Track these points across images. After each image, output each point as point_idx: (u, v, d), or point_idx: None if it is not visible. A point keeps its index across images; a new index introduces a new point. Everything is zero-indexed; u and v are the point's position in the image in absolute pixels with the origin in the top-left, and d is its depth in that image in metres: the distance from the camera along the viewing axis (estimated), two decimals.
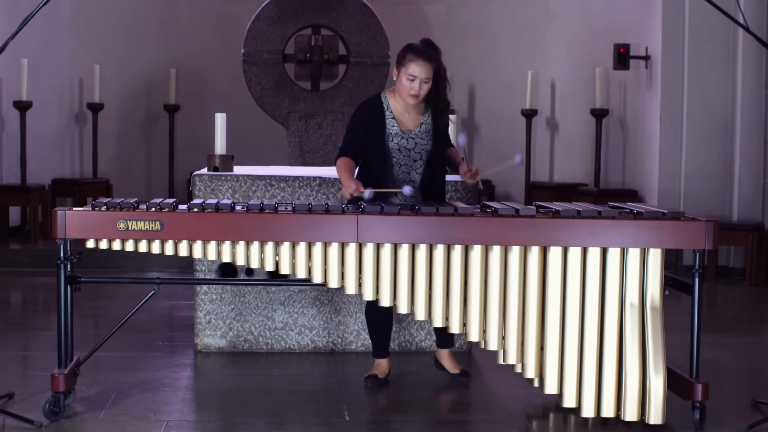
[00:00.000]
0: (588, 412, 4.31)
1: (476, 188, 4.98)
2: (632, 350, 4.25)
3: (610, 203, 4.64)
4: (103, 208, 4.29)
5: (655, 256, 4.26)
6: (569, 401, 4.33)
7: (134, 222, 4.22)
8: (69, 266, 4.34)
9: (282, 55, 8.86)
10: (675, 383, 4.39)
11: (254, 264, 4.33)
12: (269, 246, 4.30)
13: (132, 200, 4.37)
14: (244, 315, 5.62)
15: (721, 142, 8.44)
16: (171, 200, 4.46)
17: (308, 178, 5.63)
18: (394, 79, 4.80)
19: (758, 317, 7.26)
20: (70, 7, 9.96)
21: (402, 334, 5.66)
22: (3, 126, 9.44)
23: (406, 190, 4.57)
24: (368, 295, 4.33)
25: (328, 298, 5.63)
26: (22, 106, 9.24)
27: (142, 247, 4.29)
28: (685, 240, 4.27)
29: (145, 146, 10.93)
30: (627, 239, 4.24)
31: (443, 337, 5.01)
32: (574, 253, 4.27)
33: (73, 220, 4.23)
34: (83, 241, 4.28)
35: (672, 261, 7.89)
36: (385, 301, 4.34)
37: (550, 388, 4.35)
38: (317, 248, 4.29)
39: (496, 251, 4.28)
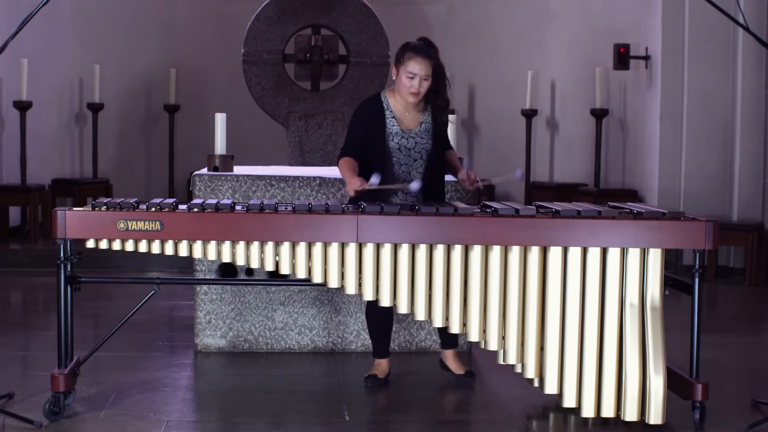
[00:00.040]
0: (588, 412, 4.31)
1: (477, 189, 4.97)
2: (632, 350, 4.25)
3: (610, 203, 4.64)
4: (103, 208, 4.29)
5: (655, 256, 4.26)
6: (569, 401, 4.33)
7: (134, 222, 4.22)
8: (69, 266, 4.34)
9: (282, 55, 8.86)
10: (675, 383, 4.39)
11: (254, 264, 4.33)
12: (269, 246, 4.30)
13: (132, 200, 4.37)
14: (244, 315, 5.63)
15: (721, 142, 8.44)
16: (171, 200, 4.46)
17: (308, 178, 5.63)
18: (394, 78, 4.80)
19: (758, 317, 7.26)
20: (70, 7, 9.96)
21: (402, 334, 5.66)
22: (3, 126, 9.45)
23: (414, 185, 4.57)
24: (368, 295, 4.33)
25: (328, 298, 5.63)
26: (22, 106, 9.24)
27: (142, 247, 4.29)
28: (685, 240, 4.27)
29: (145, 146, 10.93)
30: (627, 239, 4.24)
31: (447, 337, 5.01)
32: (574, 253, 4.27)
33: (73, 220, 4.24)
34: (83, 241, 4.28)
35: (672, 261, 7.89)
36: (385, 301, 4.34)
37: (550, 388, 4.35)
38: (317, 248, 4.29)
39: (496, 251, 4.28)
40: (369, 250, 4.29)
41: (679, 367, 4.47)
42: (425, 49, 4.71)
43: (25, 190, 9.16)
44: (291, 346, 5.65)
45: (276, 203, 4.37)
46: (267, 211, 4.30)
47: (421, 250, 4.29)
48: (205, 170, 5.70)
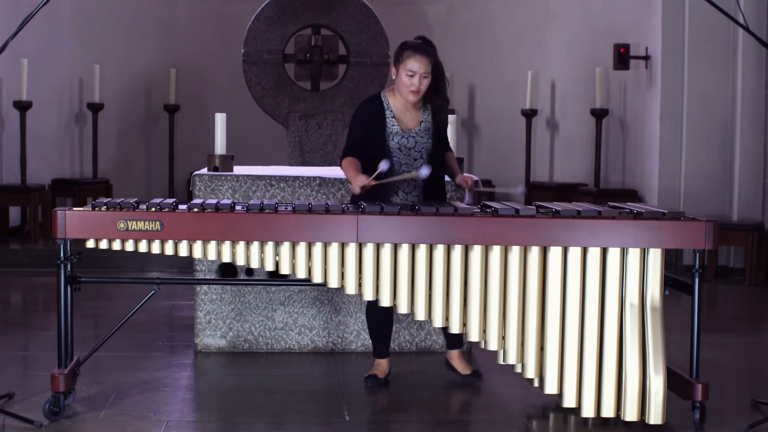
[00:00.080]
0: (588, 412, 4.31)
1: (474, 192, 4.97)
2: (632, 350, 4.25)
3: (610, 203, 4.64)
4: (103, 208, 4.29)
5: (655, 256, 4.26)
6: (569, 401, 4.33)
7: (134, 222, 4.22)
8: (69, 266, 4.34)
9: (282, 55, 8.87)
10: (675, 383, 4.39)
11: (254, 264, 4.33)
12: (269, 246, 4.30)
13: (132, 200, 4.37)
14: (244, 315, 5.63)
15: (721, 142, 8.44)
16: (171, 200, 4.46)
17: (308, 178, 5.63)
18: (393, 78, 4.80)
19: (758, 317, 7.26)
20: (70, 7, 9.96)
21: (402, 334, 5.66)
22: (3, 126, 9.45)
23: (424, 171, 4.57)
24: (368, 295, 4.33)
25: (328, 298, 5.63)
26: (22, 106, 9.24)
27: (142, 247, 4.29)
28: (685, 240, 4.27)
29: (145, 146, 10.93)
30: (627, 239, 4.24)
31: (451, 338, 5.01)
32: (574, 253, 4.27)
33: (73, 220, 4.23)
34: (83, 241, 4.28)
35: (672, 261, 7.89)
36: (385, 301, 4.34)
37: (550, 388, 4.35)
38: (317, 248, 4.29)
39: (496, 251, 4.28)
40: (369, 250, 4.29)
41: (679, 367, 4.47)
42: (423, 47, 4.72)
43: (25, 190, 9.16)
44: (291, 346, 5.65)
45: (276, 203, 4.37)
46: (267, 211, 4.30)
47: (421, 250, 4.29)
48: (205, 170, 5.70)
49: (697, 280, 4.31)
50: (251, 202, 4.41)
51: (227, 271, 5.64)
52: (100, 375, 5.00)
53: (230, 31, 10.28)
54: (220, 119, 5.79)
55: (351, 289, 4.32)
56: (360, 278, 4.32)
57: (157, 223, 4.22)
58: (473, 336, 4.35)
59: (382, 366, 4.98)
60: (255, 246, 4.31)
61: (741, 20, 5.40)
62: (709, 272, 8.21)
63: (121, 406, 4.52)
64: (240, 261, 4.31)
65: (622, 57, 8.94)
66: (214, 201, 4.42)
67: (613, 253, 4.26)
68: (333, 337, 5.65)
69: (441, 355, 5.61)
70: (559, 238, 4.25)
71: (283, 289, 5.58)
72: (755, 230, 8.10)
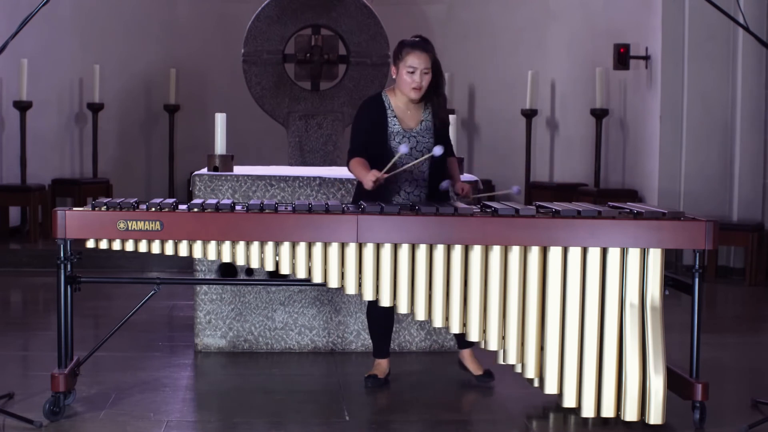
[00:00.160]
0: (588, 412, 4.31)
1: (468, 199, 4.97)
2: (632, 350, 4.25)
3: (610, 203, 4.64)
4: (103, 208, 4.29)
5: (655, 256, 4.26)
6: (569, 401, 4.33)
7: (134, 222, 4.22)
8: (69, 266, 4.34)
9: (282, 55, 8.87)
10: (675, 383, 4.39)
11: (254, 264, 4.33)
12: (269, 246, 4.30)
13: (132, 200, 4.37)
14: (244, 315, 5.63)
15: (721, 142, 8.45)
16: (171, 200, 4.46)
17: (308, 178, 5.63)
18: (394, 77, 4.80)
19: (758, 317, 7.26)
20: (70, 7, 9.97)
21: (402, 334, 5.66)
22: (3, 126, 9.45)
23: (437, 150, 4.59)
24: (368, 295, 4.33)
25: (328, 298, 5.63)
26: (22, 106, 9.24)
27: (142, 247, 4.29)
28: (685, 240, 4.27)
29: (145, 146, 10.93)
30: (627, 239, 4.24)
31: (462, 337, 4.99)
32: (574, 253, 4.27)
33: (73, 220, 4.23)
34: (83, 241, 4.28)
35: (672, 261, 7.90)
36: (385, 301, 4.34)
37: (550, 388, 4.35)
38: (317, 248, 4.29)
39: (496, 251, 4.28)
40: (369, 250, 4.29)
41: (679, 367, 4.47)
42: (422, 43, 4.74)
43: (25, 190, 9.16)
44: (291, 346, 5.65)
45: (276, 203, 4.37)
46: (267, 211, 4.30)
47: (421, 250, 4.29)
48: (205, 170, 5.70)
49: (697, 280, 4.31)
50: (251, 202, 4.41)
51: (227, 271, 5.65)
52: (100, 375, 5.00)
53: (230, 31, 10.28)
54: (220, 119, 5.79)
55: (351, 289, 4.32)
56: (360, 278, 4.32)
57: (157, 223, 4.22)
58: (473, 336, 4.35)
59: (382, 366, 4.98)
60: (255, 246, 4.31)
61: (741, 20, 5.41)
62: (709, 272, 8.21)
63: (121, 406, 4.52)
64: (240, 261, 4.31)
65: (622, 57, 8.94)
66: (214, 201, 4.42)
67: (613, 253, 4.26)
68: (333, 337, 5.65)
69: (441, 355, 5.62)
70: (559, 238, 4.25)
71: (283, 289, 5.58)
72: (755, 230, 8.10)
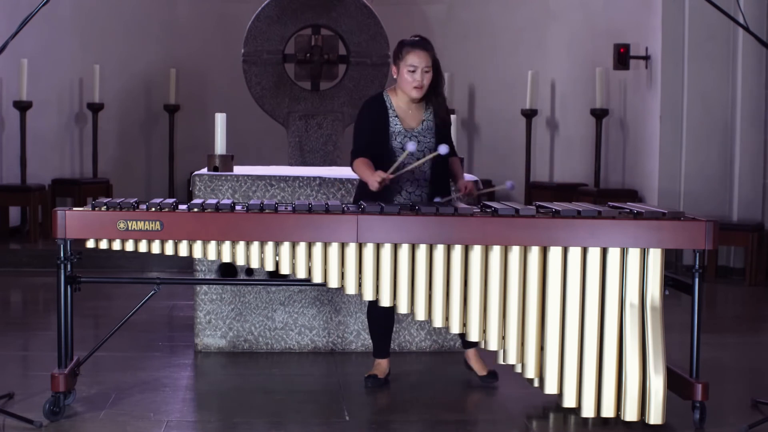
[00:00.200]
0: (588, 412, 4.31)
1: (471, 197, 4.97)
2: (632, 350, 4.25)
3: (610, 203, 4.64)
4: (103, 208, 4.29)
5: (655, 256, 4.26)
6: (569, 401, 4.33)
7: (134, 222, 4.22)
8: (69, 266, 4.34)
9: (282, 55, 8.87)
10: (675, 383, 4.39)
11: (254, 264, 4.33)
12: (269, 246, 4.30)
13: (132, 200, 4.37)
14: (244, 315, 5.63)
15: (721, 142, 8.45)
16: (171, 200, 4.46)
17: (308, 178, 5.63)
18: (395, 77, 4.80)
19: (758, 317, 7.26)
20: (70, 7, 9.97)
21: (402, 334, 5.66)
22: (3, 126, 9.45)
23: (442, 149, 4.58)
24: (368, 295, 4.33)
25: (328, 298, 5.63)
26: (22, 106, 9.24)
27: (142, 247, 4.29)
28: (685, 240, 4.27)
29: (145, 146, 10.93)
30: (627, 239, 4.24)
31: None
32: (574, 253, 4.27)
33: (73, 220, 4.23)
34: (83, 241, 4.28)
35: (672, 261, 7.89)
36: (385, 301, 4.34)
37: (550, 388, 4.35)
38: (317, 248, 4.29)
39: (496, 251, 4.28)
40: (369, 250, 4.29)
41: (679, 367, 4.47)
42: (421, 42, 4.75)
43: (25, 190, 9.16)
44: (291, 346, 5.65)
45: (276, 203, 4.37)
46: (267, 211, 4.30)
47: (421, 250, 4.29)
48: (205, 170, 5.70)
49: (697, 280, 4.31)
50: (251, 202, 4.41)
51: (227, 271, 5.64)
52: (100, 375, 5.00)
53: (230, 31, 10.28)
54: (220, 119, 5.79)
55: (351, 289, 4.32)
56: (360, 278, 4.32)
57: (157, 223, 4.22)
58: (473, 336, 4.35)
59: (382, 366, 4.98)
60: (255, 246, 4.31)
61: (741, 20, 5.41)
62: (709, 272, 8.21)
63: (121, 406, 4.52)
64: (240, 261, 4.31)
65: (622, 57, 8.94)
66: (214, 201, 4.42)
67: (613, 253, 4.26)
68: (333, 337, 5.65)
69: (441, 355, 5.62)
70: (559, 238, 4.25)
71: (283, 289, 5.58)
72: (755, 230, 8.10)
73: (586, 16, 9.98)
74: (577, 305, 4.27)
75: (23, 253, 8.74)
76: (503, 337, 4.35)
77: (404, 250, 4.29)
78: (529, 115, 10.15)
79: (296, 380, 5.11)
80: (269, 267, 4.32)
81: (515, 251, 4.28)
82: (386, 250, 4.29)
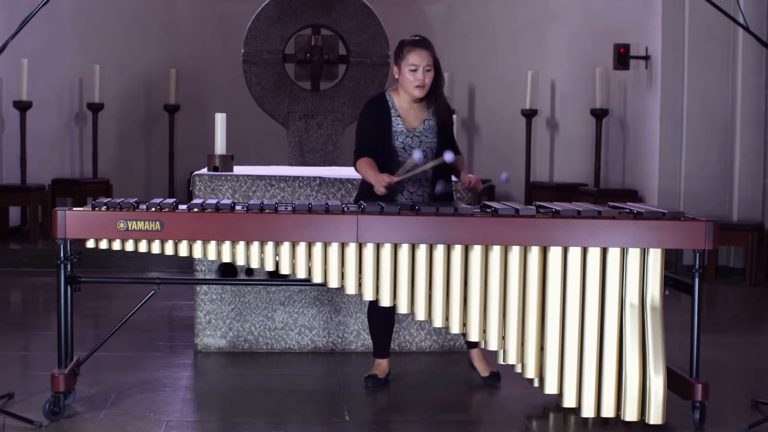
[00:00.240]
0: (588, 412, 4.31)
1: (476, 192, 4.98)
2: (632, 350, 4.25)
3: (610, 203, 4.64)
4: (103, 208, 4.29)
5: (655, 256, 4.26)
6: (569, 401, 4.33)
7: (134, 222, 4.22)
8: (69, 266, 4.34)
9: (282, 55, 8.87)
10: (675, 383, 4.39)
11: (254, 264, 4.33)
12: (269, 246, 4.30)
13: (132, 200, 4.37)
14: (244, 315, 5.62)
15: (721, 142, 8.45)
16: (171, 200, 4.46)
17: (308, 178, 5.63)
18: (396, 77, 4.80)
19: (758, 317, 7.26)
20: (70, 7, 9.97)
21: (402, 334, 5.66)
22: (3, 126, 9.45)
23: (448, 156, 4.58)
24: (368, 295, 4.33)
25: (328, 298, 5.63)
26: (22, 106, 9.24)
27: (142, 247, 4.29)
28: (685, 240, 4.27)
29: (145, 146, 10.93)
30: (627, 239, 4.24)
31: None
32: (574, 253, 4.27)
33: (73, 220, 4.23)
34: (83, 241, 4.28)
35: (672, 261, 7.89)
36: (385, 301, 4.34)
37: (550, 388, 4.34)
38: (317, 248, 4.29)
39: (496, 251, 4.28)
40: (369, 250, 4.29)
41: (679, 367, 4.47)
42: (422, 41, 4.77)
43: (25, 190, 9.16)
44: (291, 346, 5.65)
45: (276, 203, 4.37)
46: (267, 211, 4.30)
47: (421, 250, 4.29)
48: (205, 170, 5.70)
49: (697, 280, 4.30)
50: (251, 202, 4.41)
51: (227, 271, 5.64)
52: (100, 375, 5.00)
53: (230, 31, 10.28)
54: (220, 119, 5.79)
55: (351, 289, 4.32)
56: (360, 278, 4.32)
57: (157, 223, 4.22)
58: (473, 336, 4.35)
59: (382, 366, 4.98)
60: (255, 246, 4.31)
61: (741, 20, 5.40)
62: (709, 272, 8.21)
63: (121, 406, 4.52)
64: (240, 261, 4.31)
65: (622, 57, 8.94)
66: (214, 201, 4.42)
67: (613, 253, 4.26)
68: (333, 337, 5.65)
69: (441, 355, 5.62)
70: (559, 238, 4.25)
71: (283, 289, 5.58)
72: (755, 230, 8.10)
73: (586, 16, 9.98)
74: (577, 305, 4.27)
75: (23, 253, 8.74)
76: (503, 337, 4.35)
77: (404, 250, 4.29)
78: (529, 115, 10.15)
79: (296, 380, 5.11)
80: (269, 267, 4.32)
81: (515, 251, 4.28)
82: (386, 250, 4.29)
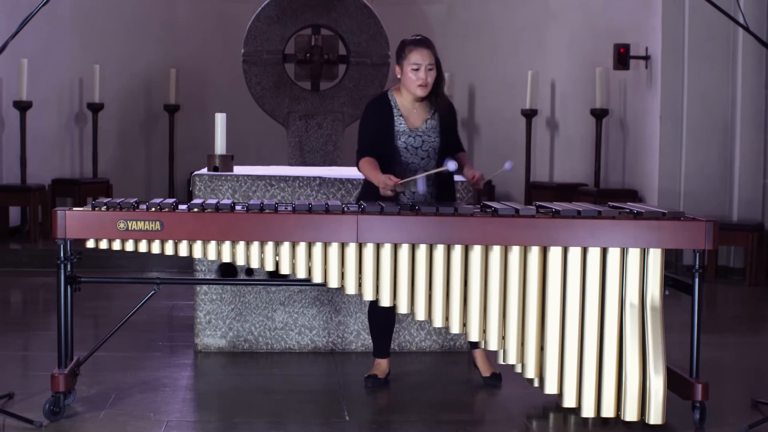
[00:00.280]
0: (588, 412, 4.31)
1: (476, 188, 4.98)
2: (632, 350, 4.25)
3: (610, 203, 4.64)
4: (103, 208, 4.29)
5: (655, 256, 4.26)
6: (569, 401, 4.33)
7: (134, 222, 4.22)
8: (69, 266, 4.34)
9: (282, 55, 8.87)
10: (675, 383, 4.39)
11: (254, 264, 4.33)
12: (269, 246, 4.30)
13: (132, 200, 4.37)
14: (244, 315, 5.62)
15: (721, 142, 8.44)
16: (171, 200, 4.46)
17: (308, 178, 5.63)
18: (398, 77, 4.80)
19: (758, 317, 7.26)
20: (70, 7, 9.97)
21: (402, 334, 5.66)
22: (3, 126, 9.45)
23: (451, 165, 4.57)
24: (368, 296, 4.33)
25: (328, 298, 5.63)
26: (22, 106, 9.24)
27: (142, 247, 4.29)
28: (685, 240, 4.27)
29: (145, 146, 10.93)
30: (627, 239, 4.24)
31: None
32: (574, 253, 4.27)
33: (73, 220, 4.23)
34: (83, 241, 4.28)
35: (672, 261, 7.89)
36: (385, 301, 4.34)
37: (550, 388, 4.35)
38: (317, 248, 4.29)
39: (496, 251, 4.28)
40: (369, 250, 4.29)
41: (679, 367, 4.47)
42: (423, 40, 4.77)
43: (25, 190, 9.16)
44: (291, 346, 5.65)
45: (276, 203, 4.37)
46: (267, 211, 4.30)
47: (421, 250, 4.29)
48: (205, 170, 5.70)
49: (697, 280, 4.30)
50: (251, 202, 4.41)
51: (227, 271, 5.65)
52: (100, 375, 5.00)
53: (230, 31, 10.28)
54: (220, 119, 5.79)
55: (351, 289, 4.32)
56: (360, 278, 4.32)
57: (157, 223, 4.22)
58: (473, 336, 4.35)
59: (382, 366, 4.98)
60: (255, 246, 4.31)
61: (741, 20, 5.40)
62: (709, 272, 8.21)
63: (121, 406, 4.52)
64: (240, 261, 4.31)
65: (622, 57, 8.94)
66: (214, 201, 4.42)
67: (613, 253, 4.26)
68: (333, 337, 5.65)
69: (441, 355, 5.62)
70: (559, 238, 4.25)
71: (283, 289, 5.58)
72: (755, 230, 8.10)
73: (586, 16, 9.98)
74: (577, 305, 4.27)
75: (23, 253, 8.74)
76: (503, 337, 4.35)
77: (404, 250, 4.29)
78: (529, 115, 10.15)
79: (296, 380, 5.11)
80: (269, 267, 4.32)
81: (515, 251, 4.28)
82: (386, 250, 4.29)
